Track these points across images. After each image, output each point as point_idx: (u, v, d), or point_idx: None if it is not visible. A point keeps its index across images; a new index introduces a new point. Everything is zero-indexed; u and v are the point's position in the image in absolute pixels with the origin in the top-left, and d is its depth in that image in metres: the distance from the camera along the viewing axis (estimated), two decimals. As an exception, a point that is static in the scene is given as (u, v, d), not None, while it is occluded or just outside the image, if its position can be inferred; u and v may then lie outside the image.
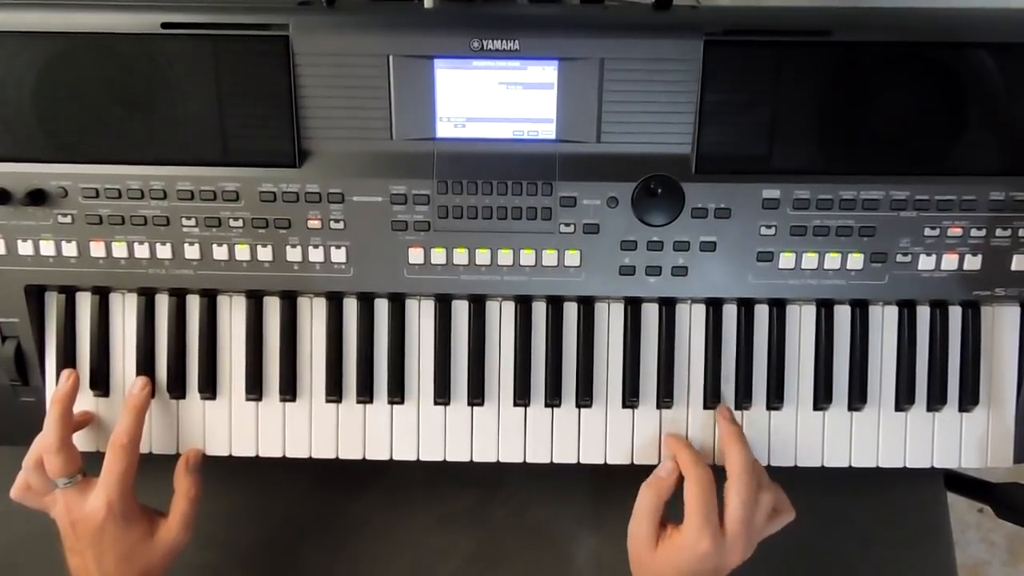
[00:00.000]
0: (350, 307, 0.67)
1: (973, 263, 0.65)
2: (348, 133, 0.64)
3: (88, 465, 0.64)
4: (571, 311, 0.67)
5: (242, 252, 0.65)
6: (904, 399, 0.67)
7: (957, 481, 0.78)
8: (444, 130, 0.64)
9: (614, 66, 0.62)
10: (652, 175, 0.64)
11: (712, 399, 0.67)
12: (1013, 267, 0.65)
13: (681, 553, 0.59)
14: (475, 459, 0.68)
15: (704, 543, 0.58)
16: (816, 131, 0.63)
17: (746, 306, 0.67)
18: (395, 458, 0.68)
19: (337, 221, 0.64)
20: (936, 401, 0.67)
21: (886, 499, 0.75)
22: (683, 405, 0.68)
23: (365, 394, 0.67)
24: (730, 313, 0.67)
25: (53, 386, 0.67)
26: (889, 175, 0.64)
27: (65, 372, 0.66)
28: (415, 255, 0.65)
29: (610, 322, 0.68)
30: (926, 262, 0.65)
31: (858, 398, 0.67)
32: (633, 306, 0.67)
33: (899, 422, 0.68)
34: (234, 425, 0.68)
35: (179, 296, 0.67)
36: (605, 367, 0.68)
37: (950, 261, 0.65)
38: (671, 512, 0.63)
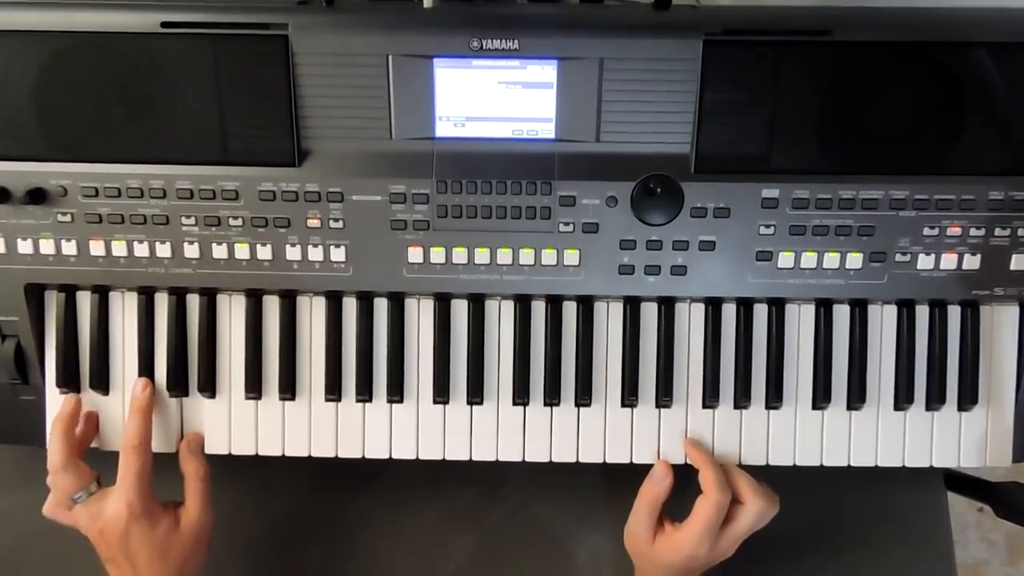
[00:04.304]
0: (349, 306, 0.67)
1: (972, 262, 0.65)
2: (347, 132, 0.64)
3: (98, 464, 0.65)
4: (570, 310, 0.67)
5: (241, 251, 0.65)
6: (903, 398, 0.67)
7: (956, 480, 0.78)
8: (443, 129, 0.64)
9: (613, 66, 0.62)
10: (651, 174, 0.64)
11: (711, 398, 0.67)
12: (1012, 267, 0.65)
13: (677, 553, 0.63)
14: (474, 458, 0.68)
15: (702, 551, 0.63)
16: (815, 131, 0.63)
17: (745, 305, 0.67)
18: (394, 457, 0.68)
19: (336, 220, 0.64)
20: (935, 400, 0.67)
21: (886, 499, 0.75)
22: (682, 404, 0.68)
23: (364, 393, 0.67)
24: (729, 312, 0.68)
25: (53, 385, 0.67)
26: (888, 175, 0.64)
27: (66, 397, 0.67)
28: (414, 254, 0.65)
29: (609, 321, 0.68)
30: (925, 261, 0.65)
31: (857, 397, 0.67)
32: (632, 305, 0.67)
33: (898, 421, 0.68)
34: (234, 424, 0.68)
35: (179, 295, 0.67)
36: (604, 366, 0.68)
37: (949, 260, 0.65)
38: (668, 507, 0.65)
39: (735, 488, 0.64)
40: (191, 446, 0.66)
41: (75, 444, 0.64)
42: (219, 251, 0.65)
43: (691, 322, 0.68)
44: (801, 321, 0.68)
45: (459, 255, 0.65)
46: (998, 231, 0.64)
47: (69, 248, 0.65)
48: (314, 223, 0.64)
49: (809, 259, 0.65)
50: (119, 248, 0.65)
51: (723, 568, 0.66)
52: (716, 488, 0.62)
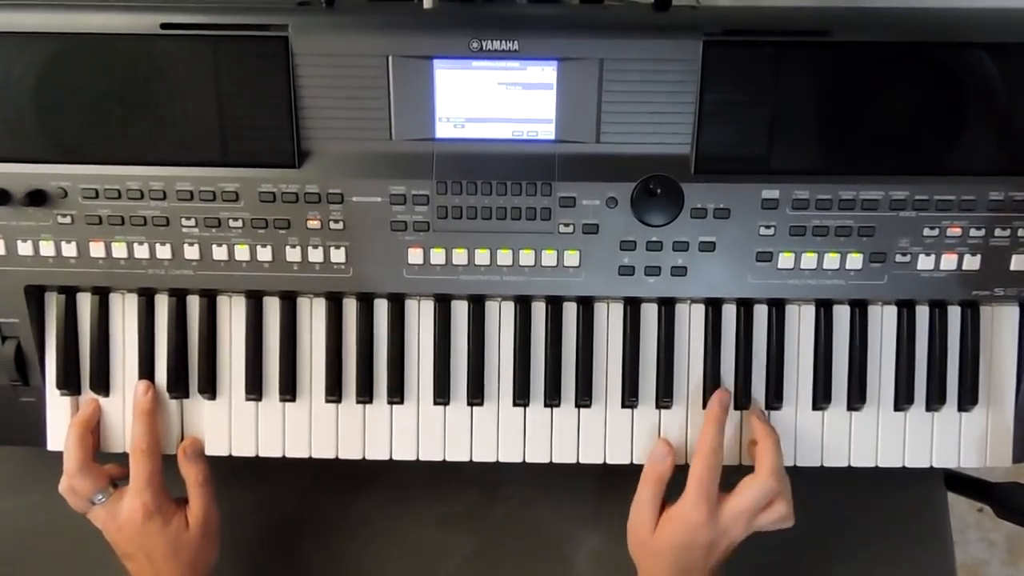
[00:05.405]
0: (350, 307, 0.67)
1: (972, 263, 0.65)
2: (347, 133, 0.64)
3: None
4: (570, 311, 0.67)
5: (242, 252, 0.65)
6: (903, 399, 0.67)
7: (957, 481, 0.78)
8: (443, 130, 0.64)
9: (613, 66, 0.62)
10: (651, 175, 0.64)
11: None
12: (1012, 267, 0.65)
13: (677, 525, 0.62)
14: (474, 459, 0.68)
15: (700, 514, 0.61)
16: (815, 131, 0.63)
17: (745, 306, 0.67)
18: (395, 458, 0.68)
19: (336, 221, 0.64)
20: (935, 401, 0.67)
21: (886, 499, 0.75)
22: (682, 405, 0.68)
23: (365, 394, 0.67)
24: (729, 313, 0.68)
25: (53, 386, 0.67)
26: (888, 175, 0.64)
27: (87, 401, 0.67)
28: (414, 255, 0.65)
29: (609, 322, 0.68)
30: (925, 262, 0.65)
31: (857, 398, 0.67)
32: (632, 306, 0.67)
33: (898, 422, 0.68)
34: (234, 425, 0.68)
35: (179, 296, 0.67)
36: (604, 367, 0.68)
37: (949, 261, 0.65)
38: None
39: (758, 454, 0.63)
40: (188, 452, 0.66)
41: (90, 447, 0.65)
42: (219, 252, 0.65)
43: (691, 323, 0.68)
44: (801, 322, 0.68)
45: (459, 256, 0.65)
46: (998, 231, 0.64)
47: (69, 250, 0.65)
48: (314, 224, 0.64)
49: (809, 260, 0.65)
50: (119, 250, 0.65)
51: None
52: (709, 444, 0.62)
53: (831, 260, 0.65)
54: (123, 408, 0.67)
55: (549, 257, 0.65)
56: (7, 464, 0.74)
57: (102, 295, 0.67)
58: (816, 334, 0.68)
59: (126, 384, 0.67)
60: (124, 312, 0.67)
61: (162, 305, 0.67)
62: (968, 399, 0.67)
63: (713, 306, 0.67)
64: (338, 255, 0.65)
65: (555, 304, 0.67)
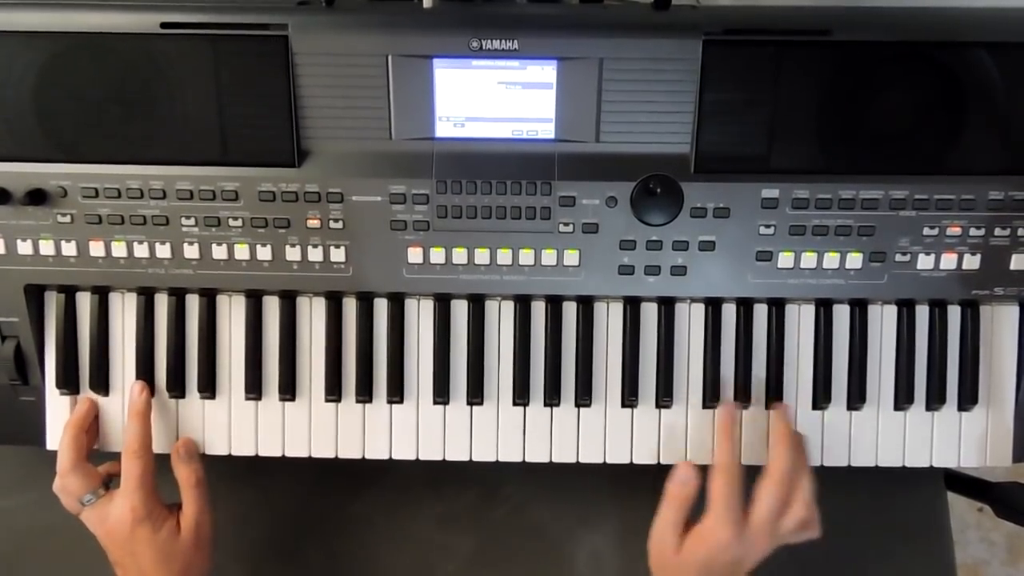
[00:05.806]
0: (349, 307, 0.67)
1: (972, 262, 0.65)
2: (347, 133, 0.64)
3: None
4: (570, 310, 0.67)
5: (241, 252, 0.65)
6: (903, 398, 0.67)
7: (957, 480, 0.78)
8: (443, 130, 0.64)
9: (613, 66, 0.62)
10: (651, 175, 0.64)
11: (711, 398, 0.67)
12: (1012, 266, 0.65)
13: (703, 544, 0.60)
14: (474, 458, 0.68)
15: (726, 532, 0.59)
16: (815, 131, 0.63)
17: (745, 305, 0.67)
18: (394, 457, 0.68)
19: (336, 221, 0.64)
20: (935, 400, 0.67)
21: (886, 499, 0.75)
22: (682, 404, 0.68)
23: (364, 394, 0.67)
24: (729, 312, 0.68)
25: (53, 385, 0.67)
26: (888, 174, 0.64)
27: (82, 399, 0.67)
28: (414, 255, 0.65)
29: (609, 321, 0.68)
30: (925, 261, 0.65)
31: (857, 397, 0.67)
32: (632, 305, 0.67)
33: (898, 421, 0.68)
34: (234, 424, 0.68)
35: (178, 296, 0.67)
36: (604, 367, 0.68)
37: (949, 260, 0.65)
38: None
39: (769, 455, 0.62)
40: (181, 453, 0.65)
41: (84, 447, 0.64)
42: (219, 252, 0.65)
43: (691, 322, 0.68)
44: (801, 321, 0.68)
45: (459, 255, 0.65)
46: (998, 231, 0.64)
47: (69, 249, 0.65)
48: (314, 223, 0.64)
49: (809, 259, 0.65)
50: (119, 249, 0.65)
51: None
52: (726, 457, 0.61)
53: (831, 259, 0.65)
54: (123, 407, 0.67)
55: (549, 256, 0.65)
56: (7, 464, 0.75)
57: (102, 294, 0.67)
58: (816, 333, 0.68)
59: (125, 383, 0.67)
60: (124, 311, 0.67)
61: (162, 304, 0.67)
62: (968, 398, 0.67)
63: (713, 305, 0.67)
64: (338, 254, 0.65)
65: (555, 303, 0.67)
